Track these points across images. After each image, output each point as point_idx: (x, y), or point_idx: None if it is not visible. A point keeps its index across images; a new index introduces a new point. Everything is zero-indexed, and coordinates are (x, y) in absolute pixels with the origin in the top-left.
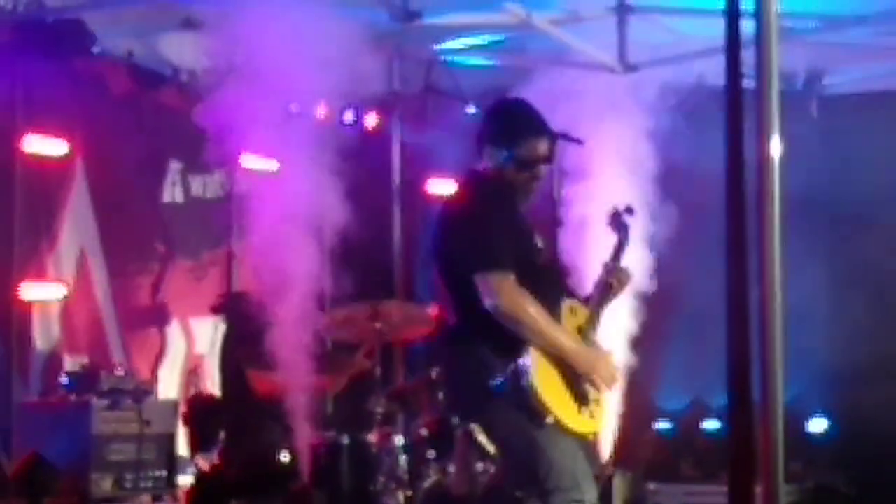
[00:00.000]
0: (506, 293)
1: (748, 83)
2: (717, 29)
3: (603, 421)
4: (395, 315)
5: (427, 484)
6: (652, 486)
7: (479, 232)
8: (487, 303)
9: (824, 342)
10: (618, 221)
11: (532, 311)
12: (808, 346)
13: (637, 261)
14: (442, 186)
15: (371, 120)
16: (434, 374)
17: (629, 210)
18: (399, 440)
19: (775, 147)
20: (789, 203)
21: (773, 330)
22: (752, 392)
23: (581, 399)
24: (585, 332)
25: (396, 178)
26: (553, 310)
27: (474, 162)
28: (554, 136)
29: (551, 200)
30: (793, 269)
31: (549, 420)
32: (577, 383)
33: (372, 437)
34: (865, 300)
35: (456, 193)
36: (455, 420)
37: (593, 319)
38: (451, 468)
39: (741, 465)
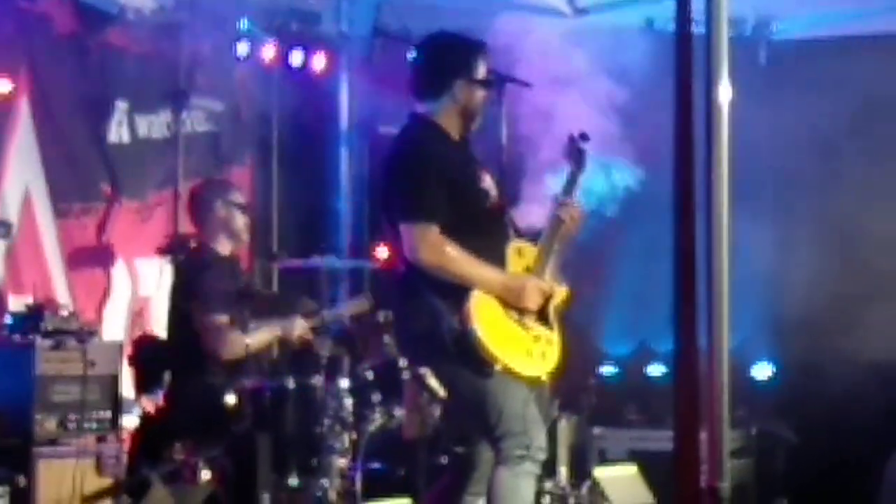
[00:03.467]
0: (425, 245)
1: (697, 28)
2: None
3: (555, 360)
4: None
5: (372, 427)
6: (597, 430)
7: (407, 181)
8: (409, 255)
9: (771, 288)
10: (573, 149)
11: (452, 255)
12: (755, 291)
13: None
14: (390, 130)
15: (319, 62)
16: (381, 317)
17: (583, 136)
18: (345, 383)
19: (724, 93)
20: (737, 149)
21: (721, 275)
22: (698, 337)
23: (532, 340)
24: (535, 272)
25: (344, 121)
26: (498, 251)
27: (416, 102)
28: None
29: (499, 144)
30: (741, 215)
31: (497, 367)
32: (526, 325)
33: (317, 380)
34: (812, 248)
35: (396, 139)
36: (403, 363)
37: (542, 259)
38: (397, 411)
39: (686, 411)
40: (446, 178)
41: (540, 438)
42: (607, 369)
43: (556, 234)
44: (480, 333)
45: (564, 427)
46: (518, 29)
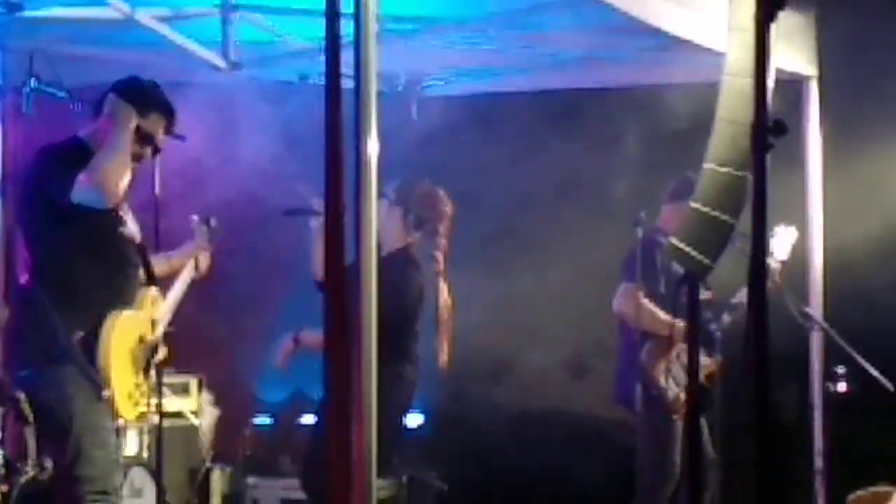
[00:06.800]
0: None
1: (350, 84)
2: (319, 29)
3: (138, 412)
4: None
5: (23, 480)
6: (250, 480)
7: (55, 169)
8: (81, 197)
9: (423, 340)
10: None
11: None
12: None
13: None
14: None
15: None
16: None
17: (207, 221)
18: None
19: (373, 146)
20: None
21: (369, 324)
22: (349, 390)
23: (133, 385)
24: (159, 324)
25: None
26: (129, 293)
27: (87, 125)
28: (169, 127)
29: (154, 196)
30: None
31: (106, 394)
32: (136, 369)
33: None
34: (467, 302)
35: (45, 152)
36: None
37: (165, 313)
38: (49, 463)
39: (337, 459)
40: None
41: (116, 478)
42: (261, 419)
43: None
44: (110, 348)
45: (218, 477)
46: (176, 82)
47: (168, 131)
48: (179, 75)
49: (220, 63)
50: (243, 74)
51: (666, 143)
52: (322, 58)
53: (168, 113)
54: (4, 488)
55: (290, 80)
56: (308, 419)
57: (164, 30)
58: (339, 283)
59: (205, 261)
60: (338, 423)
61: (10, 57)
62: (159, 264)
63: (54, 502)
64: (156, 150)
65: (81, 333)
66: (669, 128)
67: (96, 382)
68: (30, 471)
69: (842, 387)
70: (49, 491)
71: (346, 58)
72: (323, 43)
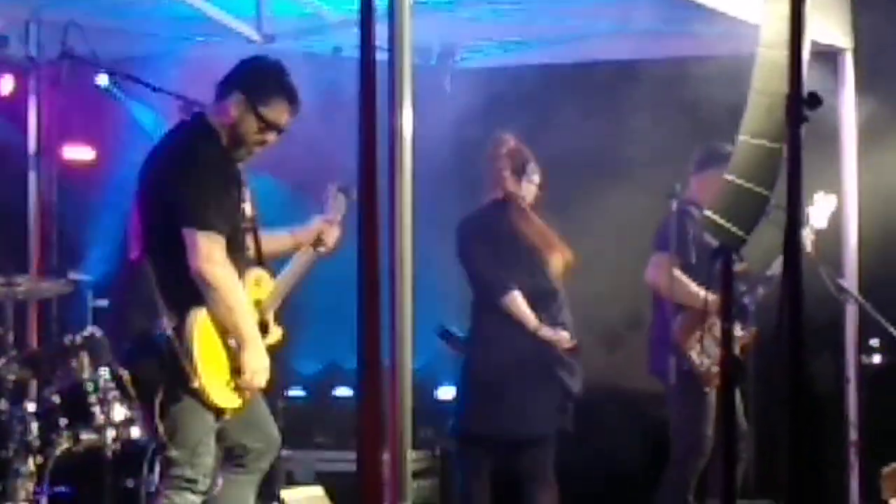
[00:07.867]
0: (214, 261)
1: (383, 56)
2: (353, 2)
3: (246, 399)
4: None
5: (58, 451)
6: (284, 452)
7: (195, 186)
8: (194, 264)
9: (462, 311)
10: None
11: (232, 285)
12: (443, 313)
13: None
14: (78, 153)
15: (6, 85)
16: (67, 340)
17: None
18: (31, 407)
19: (407, 119)
20: (421, 176)
21: (404, 297)
22: (381, 359)
23: (233, 373)
24: (265, 306)
25: (32, 144)
26: (238, 276)
27: (213, 106)
28: (293, 111)
29: None
30: (425, 241)
31: (194, 385)
32: (234, 357)
33: (3, 405)
34: None
35: (178, 134)
36: (89, 387)
37: (275, 295)
38: (83, 435)
39: (369, 431)
40: (226, 192)
41: (207, 466)
42: (295, 391)
43: (306, 271)
44: (194, 344)
45: None
46: (209, 55)
47: (292, 115)
48: (213, 48)
49: (254, 35)
50: (277, 47)
51: (700, 115)
52: (356, 30)
53: (291, 97)
54: (40, 460)
55: (324, 52)
56: (342, 391)
57: (198, 2)
58: (373, 252)
59: (332, 235)
60: (369, 397)
61: (45, 29)
62: (281, 241)
63: (90, 474)
64: (279, 132)
65: (177, 321)
66: (703, 99)
67: (184, 369)
68: (64, 443)
69: (876, 359)
70: (84, 464)
71: (380, 30)
72: (357, 15)
